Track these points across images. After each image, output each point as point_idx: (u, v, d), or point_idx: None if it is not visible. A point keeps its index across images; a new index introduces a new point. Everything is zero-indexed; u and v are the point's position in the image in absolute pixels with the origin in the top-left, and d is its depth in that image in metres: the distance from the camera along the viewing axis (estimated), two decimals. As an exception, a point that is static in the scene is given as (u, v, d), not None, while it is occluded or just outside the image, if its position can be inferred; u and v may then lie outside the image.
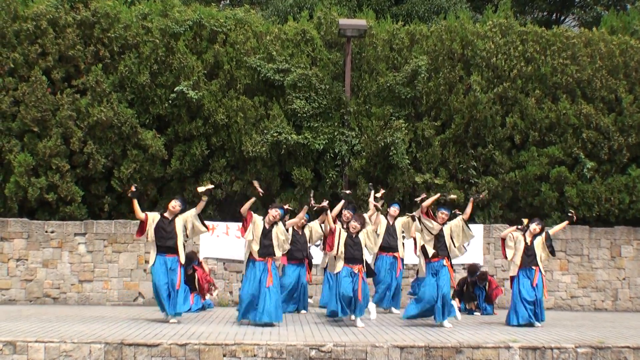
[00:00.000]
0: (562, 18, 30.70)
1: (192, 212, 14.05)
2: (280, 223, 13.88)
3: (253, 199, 14.07)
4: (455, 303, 15.01)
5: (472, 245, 17.50)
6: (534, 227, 14.59)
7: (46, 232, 17.53)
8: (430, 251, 14.08)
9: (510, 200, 18.68)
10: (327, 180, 18.39)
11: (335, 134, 18.43)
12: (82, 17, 18.49)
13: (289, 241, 14.28)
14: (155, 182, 18.38)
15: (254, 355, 11.34)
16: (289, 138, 18.01)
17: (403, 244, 16.27)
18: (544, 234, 14.64)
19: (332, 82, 18.72)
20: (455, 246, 14.20)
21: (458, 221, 14.28)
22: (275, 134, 17.98)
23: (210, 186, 14.26)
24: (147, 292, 17.35)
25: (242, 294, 13.75)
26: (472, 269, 16.93)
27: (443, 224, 14.13)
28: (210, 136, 18.35)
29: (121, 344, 11.37)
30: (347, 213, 15.11)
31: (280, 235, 13.85)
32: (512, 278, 14.64)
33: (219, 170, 18.27)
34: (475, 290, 16.74)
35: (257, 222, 13.78)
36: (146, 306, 16.94)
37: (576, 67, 19.06)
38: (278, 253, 13.88)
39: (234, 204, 17.49)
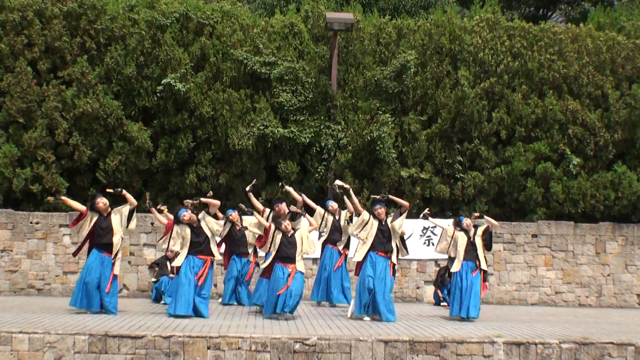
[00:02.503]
0: (549, 14, 30.77)
1: (124, 207, 13.96)
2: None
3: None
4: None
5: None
6: (467, 222, 14.45)
7: (31, 223, 17.45)
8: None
9: (495, 195, 18.70)
10: (314, 174, 18.40)
11: (322, 127, 18.42)
12: (69, 9, 18.40)
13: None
14: (141, 175, 18.33)
15: (238, 348, 11.33)
16: (275, 131, 17.97)
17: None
18: (481, 229, 14.56)
19: (318, 75, 18.69)
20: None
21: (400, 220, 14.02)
22: (261, 127, 17.94)
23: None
24: (131, 284, 17.35)
25: (172, 287, 13.88)
26: None
27: (385, 220, 13.92)
28: (196, 129, 18.30)
29: (105, 335, 11.34)
30: (291, 207, 14.93)
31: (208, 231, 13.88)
32: (453, 274, 14.41)
33: (204, 163, 18.22)
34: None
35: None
36: (130, 298, 16.91)
37: (563, 63, 19.10)
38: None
39: (219, 197, 17.44)
